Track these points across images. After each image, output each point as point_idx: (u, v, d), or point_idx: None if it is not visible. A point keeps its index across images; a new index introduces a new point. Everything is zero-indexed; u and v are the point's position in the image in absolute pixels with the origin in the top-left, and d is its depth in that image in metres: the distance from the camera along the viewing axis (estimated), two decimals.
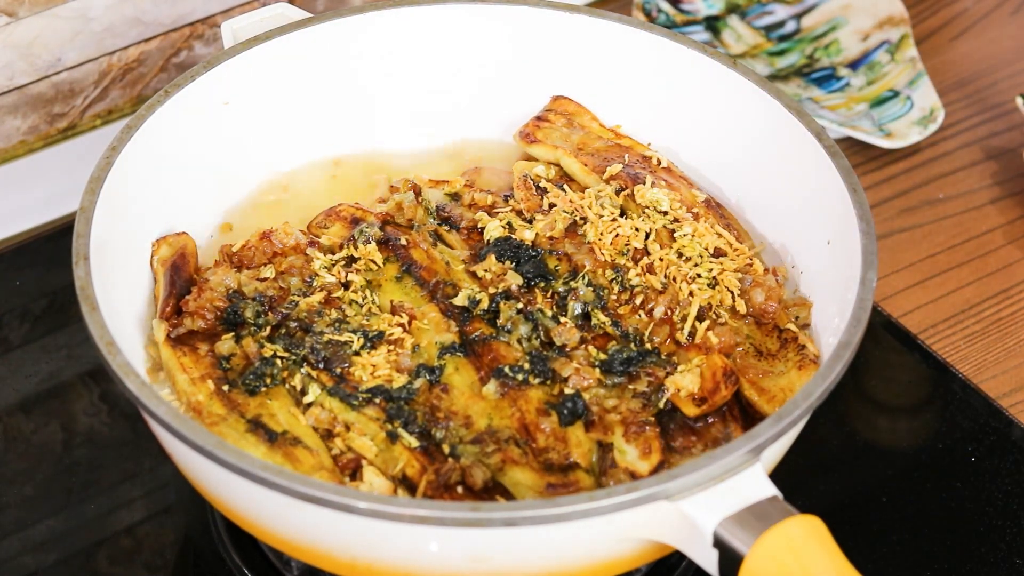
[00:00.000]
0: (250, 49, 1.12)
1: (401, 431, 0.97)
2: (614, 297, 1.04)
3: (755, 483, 0.89)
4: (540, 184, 1.11)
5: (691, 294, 1.03)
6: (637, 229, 1.07)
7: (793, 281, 1.08)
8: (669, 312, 1.03)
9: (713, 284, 1.04)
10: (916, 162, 1.36)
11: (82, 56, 1.30)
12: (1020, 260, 1.28)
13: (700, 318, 1.03)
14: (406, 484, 0.95)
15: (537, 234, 1.08)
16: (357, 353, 1.00)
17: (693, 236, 1.07)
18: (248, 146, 1.13)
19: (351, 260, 1.07)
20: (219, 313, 1.02)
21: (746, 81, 1.11)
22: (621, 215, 1.09)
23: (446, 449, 0.96)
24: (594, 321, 1.03)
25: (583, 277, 1.05)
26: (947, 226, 1.31)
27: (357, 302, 1.04)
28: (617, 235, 1.07)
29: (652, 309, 1.03)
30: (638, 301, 1.04)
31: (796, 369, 1.01)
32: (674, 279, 1.05)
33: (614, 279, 1.05)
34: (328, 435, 0.97)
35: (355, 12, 1.15)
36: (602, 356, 1.01)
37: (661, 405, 0.98)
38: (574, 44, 1.16)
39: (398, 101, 1.18)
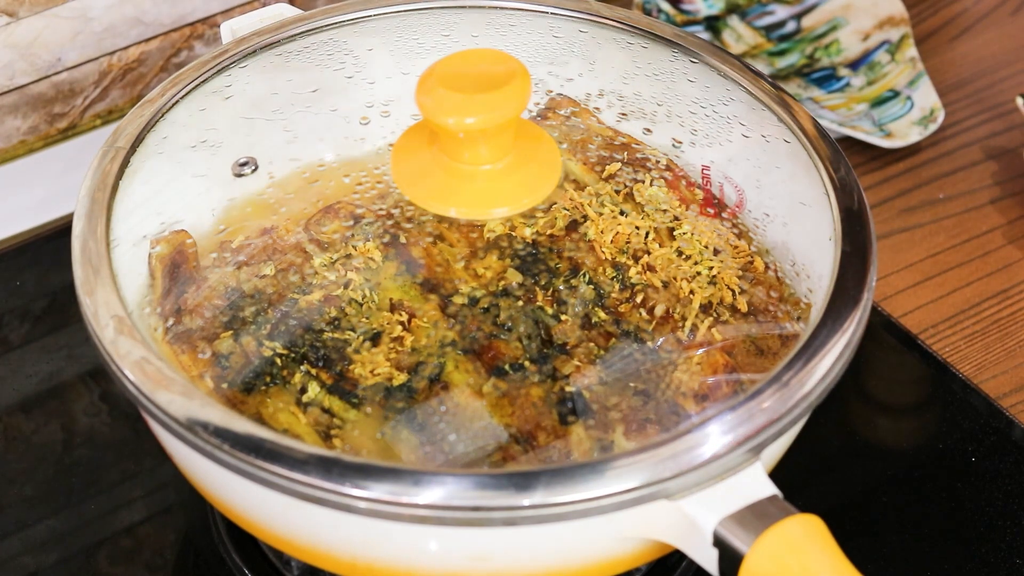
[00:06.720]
0: (250, 49, 1.12)
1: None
2: (615, 295, 1.04)
3: (755, 482, 0.89)
4: None
5: (692, 292, 1.04)
6: (637, 227, 1.07)
7: (793, 280, 1.08)
8: (670, 310, 1.03)
9: (714, 282, 1.05)
10: (916, 162, 1.36)
11: (82, 56, 1.31)
12: (1020, 260, 1.28)
13: (701, 316, 1.03)
14: None
15: (537, 232, 1.08)
16: (357, 351, 1.00)
17: (693, 234, 1.07)
18: (247, 145, 1.13)
19: (350, 258, 1.07)
20: (218, 311, 1.02)
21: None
22: (621, 213, 1.09)
23: (446, 448, 0.96)
24: (594, 319, 1.03)
25: (583, 275, 1.05)
26: (947, 226, 1.30)
27: (356, 300, 1.04)
28: (617, 233, 1.07)
29: (653, 307, 1.03)
30: (639, 299, 1.04)
31: None
32: (675, 277, 1.05)
33: (615, 277, 1.05)
34: (327, 435, 0.97)
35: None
36: (602, 354, 1.01)
37: (662, 403, 0.99)
38: (574, 44, 1.16)
39: (398, 101, 1.18)
